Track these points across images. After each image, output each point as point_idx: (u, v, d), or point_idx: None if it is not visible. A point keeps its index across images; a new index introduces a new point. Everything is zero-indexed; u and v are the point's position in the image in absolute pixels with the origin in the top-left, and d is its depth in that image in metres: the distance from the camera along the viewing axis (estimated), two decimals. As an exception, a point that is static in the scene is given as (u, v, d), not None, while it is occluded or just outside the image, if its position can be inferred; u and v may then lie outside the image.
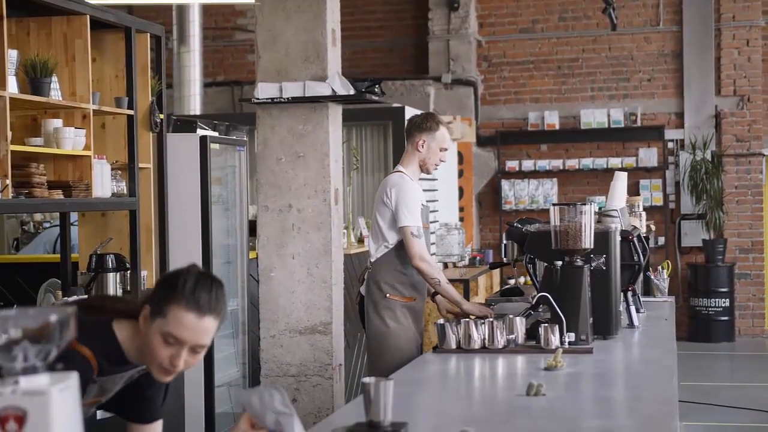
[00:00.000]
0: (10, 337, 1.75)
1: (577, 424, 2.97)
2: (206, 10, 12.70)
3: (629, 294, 5.06)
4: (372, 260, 5.31)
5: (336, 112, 6.03)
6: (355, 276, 7.55)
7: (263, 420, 2.52)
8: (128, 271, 5.56)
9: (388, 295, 5.20)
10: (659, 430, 2.83)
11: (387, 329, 5.17)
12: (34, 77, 4.80)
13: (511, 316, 4.40)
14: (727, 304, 12.21)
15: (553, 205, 4.48)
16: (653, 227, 10.00)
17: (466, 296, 9.11)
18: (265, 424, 2.53)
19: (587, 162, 12.70)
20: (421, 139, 5.27)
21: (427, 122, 5.30)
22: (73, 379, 1.80)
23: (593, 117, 12.72)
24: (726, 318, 12.23)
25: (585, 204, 4.44)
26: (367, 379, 2.76)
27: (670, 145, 12.70)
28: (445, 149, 5.33)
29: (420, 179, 9.31)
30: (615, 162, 12.54)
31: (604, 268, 4.52)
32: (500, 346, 4.24)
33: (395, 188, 5.17)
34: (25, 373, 1.75)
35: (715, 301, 12.19)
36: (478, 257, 11.24)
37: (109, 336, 2.65)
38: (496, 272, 11.33)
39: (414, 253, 5.07)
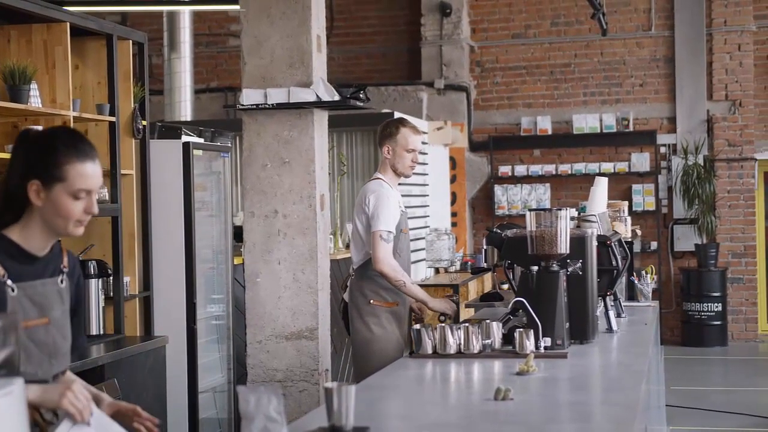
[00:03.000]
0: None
1: (539, 427, 2.99)
2: (200, 16, 12.73)
3: (608, 299, 5.07)
4: (354, 267, 5.39)
5: (321, 118, 6.05)
6: (342, 281, 7.56)
7: (251, 422, 2.54)
8: (110, 278, 5.58)
9: (372, 301, 5.27)
10: (619, 433, 2.85)
11: (372, 335, 5.22)
12: (12, 84, 4.82)
13: (487, 320, 4.41)
14: (720, 308, 12.21)
15: (530, 210, 4.50)
16: (639, 232, 10.01)
17: (456, 302, 9.11)
18: (250, 426, 2.55)
19: (580, 167, 12.72)
20: (385, 146, 5.40)
21: (387, 128, 5.44)
22: (17, 385, 1.82)
23: (585, 122, 12.74)
24: (718, 322, 12.23)
25: (561, 209, 4.45)
26: (328, 384, 2.79)
27: (663, 149, 12.71)
28: (412, 150, 5.39)
29: (410, 184, 9.33)
30: (607, 167, 12.55)
31: (581, 273, 4.54)
32: (476, 351, 4.25)
33: (374, 195, 5.29)
34: (-34, 379, 1.77)
35: (708, 306, 12.20)
36: (470, 262, 11.25)
37: (4, 240, 2.70)
38: (488, 277, 11.34)
39: (377, 257, 5.17)
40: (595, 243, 4.70)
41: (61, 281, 2.81)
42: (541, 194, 12.85)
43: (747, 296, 12.58)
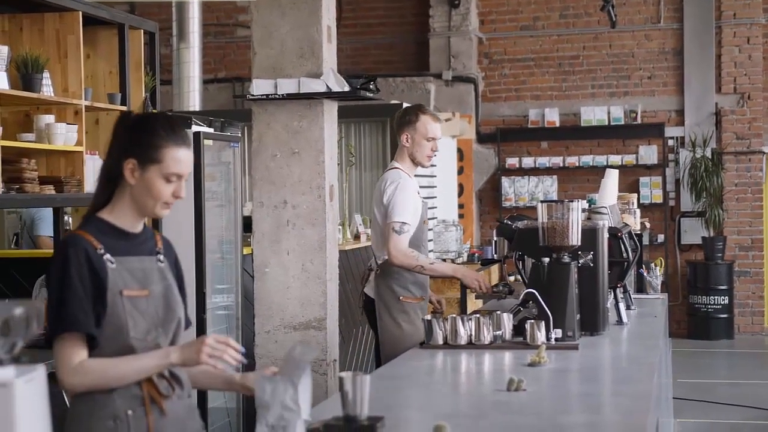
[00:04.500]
0: (-25, 330, 1.78)
1: (553, 418, 2.99)
2: (208, 6, 12.73)
3: (618, 291, 5.07)
4: (380, 261, 5.22)
5: (331, 108, 6.05)
6: (350, 271, 7.56)
7: (267, 411, 2.57)
8: (121, 266, 5.58)
9: (401, 297, 5.14)
10: (632, 424, 2.85)
11: (402, 332, 5.09)
12: (25, 73, 4.83)
13: (498, 312, 4.42)
14: (727, 301, 12.21)
15: (541, 202, 4.49)
16: (648, 224, 10.02)
17: (464, 293, 9.08)
18: (266, 415, 2.57)
19: (587, 159, 12.71)
20: (404, 133, 5.25)
21: (406, 115, 5.28)
22: (38, 372, 1.82)
23: (593, 114, 12.73)
24: (725, 315, 12.23)
25: (573, 201, 4.45)
26: (343, 374, 2.79)
27: (671, 142, 12.71)
28: (432, 138, 5.24)
29: (417, 175, 9.30)
30: (615, 159, 12.55)
31: (592, 264, 4.54)
32: (487, 342, 4.25)
33: (392, 185, 5.15)
34: (-11, 365, 1.78)
35: (715, 299, 12.20)
36: (477, 254, 11.25)
37: (96, 220, 2.84)
38: (495, 268, 11.34)
39: (390, 252, 5.05)
40: (606, 235, 4.70)
41: (160, 261, 2.92)
42: (549, 186, 12.84)
43: (754, 289, 12.58)
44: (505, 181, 12.92)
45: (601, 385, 3.67)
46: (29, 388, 1.78)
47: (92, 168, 5.27)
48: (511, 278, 12.33)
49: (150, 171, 2.78)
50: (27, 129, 5.12)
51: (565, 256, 4.43)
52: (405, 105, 10.13)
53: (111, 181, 2.83)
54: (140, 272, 2.84)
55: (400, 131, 5.29)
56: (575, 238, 4.42)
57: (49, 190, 4.95)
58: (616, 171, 5.70)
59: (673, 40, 12.72)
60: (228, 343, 2.77)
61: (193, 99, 10.80)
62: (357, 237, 8.14)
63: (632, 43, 12.83)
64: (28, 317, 1.81)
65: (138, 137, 2.81)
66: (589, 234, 4.55)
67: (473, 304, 9.20)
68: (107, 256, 2.77)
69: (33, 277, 5.93)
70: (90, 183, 5.25)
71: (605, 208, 5.18)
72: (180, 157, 2.80)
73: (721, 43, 12.58)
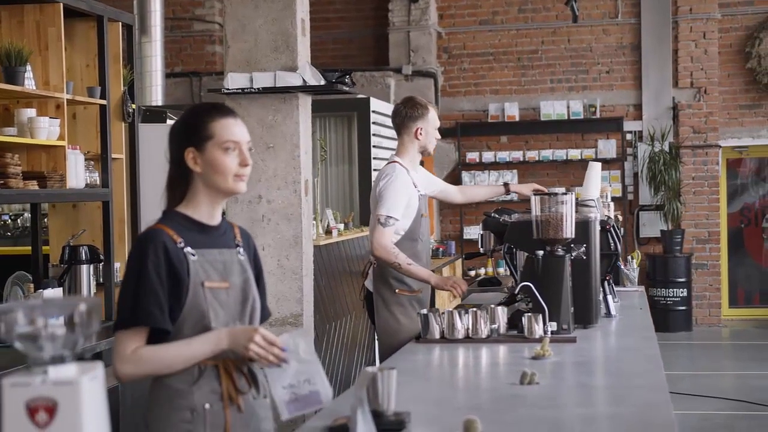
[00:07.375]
0: (37, 327, 1.73)
1: (575, 411, 2.99)
2: (165, 0, 12.57)
3: (606, 283, 5.09)
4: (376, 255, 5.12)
5: (306, 102, 6.02)
6: (323, 267, 7.52)
7: (283, 370, 2.57)
8: (101, 263, 5.49)
9: (397, 290, 5.12)
10: (658, 416, 2.86)
11: (399, 326, 5.05)
12: (8, 66, 4.72)
13: (492, 305, 4.41)
14: (685, 294, 12.35)
15: (535, 194, 4.49)
16: (620, 217, 10.10)
17: (432, 291, 9.07)
18: (281, 375, 2.58)
19: (547, 153, 12.77)
20: (416, 127, 5.23)
21: (417, 110, 5.25)
22: (99, 369, 1.78)
23: (553, 109, 12.79)
24: (683, 308, 12.38)
25: (566, 194, 4.45)
26: (370, 369, 2.76)
27: (629, 136, 12.81)
28: (437, 127, 5.35)
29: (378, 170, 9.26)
30: (574, 153, 12.62)
31: (585, 257, 4.54)
32: (483, 336, 4.25)
33: (385, 179, 5.11)
34: (53, 363, 1.73)
35: (673, 291, 12.33)
36: (440, 249, 11.28)
37: (175, 214, 2.88)
38: (458, 263, 11.38)
39: (371, 242, 5.03)
40: (598, 227, 4.72)
41: (239, 253, 2.93)
42: (509, 180, 12.88)
43: (711, 282, 12.73)
44: (466, 176, 12.94)
45: (611, 378, 3.67)
46: (93, 385, 1.74)
47: (74, 162, 5.17)
48: (472, 272, 12.36)
49: (208, 149, 2.83)
50: (6, 123, 5.01)
51: (559, 249, 4.44)
52: (373, 100, 10.11)
53: (182, 181, 2.87)
54: (221, 264, 2.87)
55: (411, 126, 5.25)
56: (569, 231, 4.42)
57: (33, 185, 4.85)
58: (599, 164, 5.71)
59: (631, 35, 12.83)
60: (274, 343, 2.75)
61: (155, 94, 10.66)
62: (329, 232, 8.09)
63: (590, 38, 12.91)
64: (91, 313, 1.76)
65: (188, 128, 2.88)
66: (582, 226, 4.57)
67: (441, 300, 9.21)
68: (188, 249, 2.81)
69: (4, 275, 5.82)
70: (72, 178, 5.15)
71: (593, 201, 5.20)
72: (230, 125, 2.85)
73: (677, 38, 12.71)
